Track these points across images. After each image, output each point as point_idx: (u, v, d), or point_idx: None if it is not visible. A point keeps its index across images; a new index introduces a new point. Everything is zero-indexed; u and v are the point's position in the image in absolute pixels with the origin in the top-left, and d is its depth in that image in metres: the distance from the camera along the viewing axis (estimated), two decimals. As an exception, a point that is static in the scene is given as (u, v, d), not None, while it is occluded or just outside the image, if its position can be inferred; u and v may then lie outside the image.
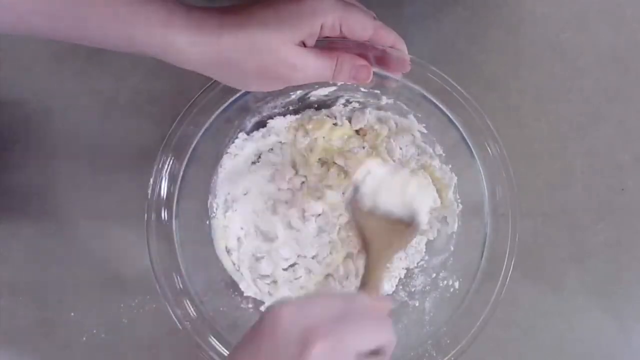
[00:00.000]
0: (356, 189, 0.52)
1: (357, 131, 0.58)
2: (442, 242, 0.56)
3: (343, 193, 0.56)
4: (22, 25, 0.40)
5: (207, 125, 0.51)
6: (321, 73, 0.44)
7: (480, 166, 0.51)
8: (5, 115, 0.58)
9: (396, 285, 0.57)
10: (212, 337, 0.50)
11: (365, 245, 0.50)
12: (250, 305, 0.56)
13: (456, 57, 0.58)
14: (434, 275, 0.55)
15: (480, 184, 0.51)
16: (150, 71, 0.58)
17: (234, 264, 0.57)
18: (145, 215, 0.50)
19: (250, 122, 0.56)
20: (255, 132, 0.57)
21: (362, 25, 0.44)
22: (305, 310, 0.37)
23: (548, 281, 0.57)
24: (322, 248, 0.56)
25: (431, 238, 0.57)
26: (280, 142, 0.58)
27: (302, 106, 0.57)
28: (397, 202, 0.51)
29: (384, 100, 0.55)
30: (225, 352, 0.50)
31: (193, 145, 0.51)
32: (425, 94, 0.50)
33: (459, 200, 0.55)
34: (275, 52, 0.41)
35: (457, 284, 0.53)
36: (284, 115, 0.57)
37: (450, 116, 0.51)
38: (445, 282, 0.54)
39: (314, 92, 0.55)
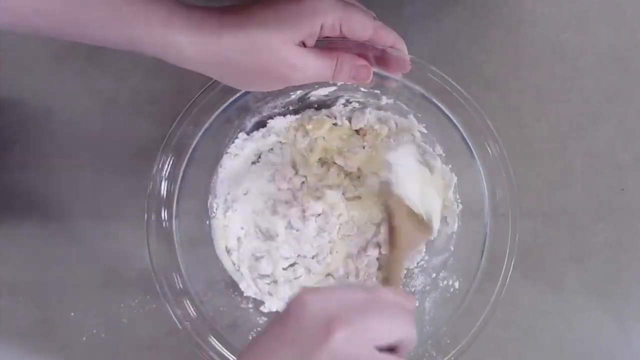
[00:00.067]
0: (389, 170, 0.51)
1: (357, 131, 0.58)
2: (442, 242, 0.56)
3: (378, 178, 0.54)
4: (22, 25, 0.40)
5: (207, 125, 0.51)
6: (321, 73, 0.44)
7: (480, 166, 0.51)
8: (5, 115, 0.58)
9: (396, 285, 0.57)
10: (212, 337, 0.50)
11: (392, 235, 0.50)
12: (250, 305, 0.56)
13: (456, 57, 0.58)
14: (434, 275, 0.55)
15: (480, 184, 0.51)
16: (150, 71, 0.58)
17: (234, 264, 0.57)
18: (145, 215, 0.50)
19: (250, 122, 0.56)
20: (255, 132, 0.57)
21: (362, 25, 0.44)
22: (331, 297, 0.38)
23: (548, 281, 0.57)
24: (322, 248, 0.56)
25: (431, 238, 0.57)
26: (280, 142, 0.58)
27: (302, 106, 0.57)
28: (418, 199, 0.52)
29: (384, 100, 0.55)
30: (225, 352, 0.50)
31: (193, 145, 0.51)
32: (425, 94, 0.51)
33: (459, 200, 0.55)
34: (275, 52, 0.41)
35: (457, 284, 0.53)
36: (284, 115, 0.57)
37: (450, 116, 0.51)
38: (445, 282, 0.54)
39: (314, 92, 0.55)
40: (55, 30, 0.40)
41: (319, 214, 0.56)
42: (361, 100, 0.56)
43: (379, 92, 0.54)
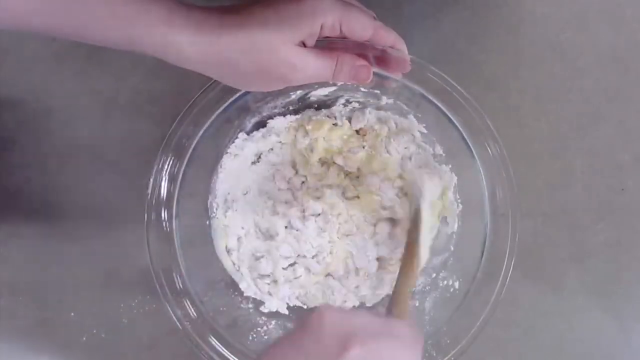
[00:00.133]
0: (421, 196, 0.54)
1: (357, 131, 0.58)
2: (442, 242, 0.56)
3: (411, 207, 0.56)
4: (22, 25, 0.40)
5: (207, 125, 0.51)
6: (321, 73, 0.44)
7: (480, 166, 0.51)
8: (5, 115, 0.58)
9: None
10: (212, 337, 0.50)
11: (410, 260, 0.52)
12: (250, 305, 0.56)
13: (456, 57, 0.58)
14: (434, 275, 0.55)
15: (480, 184, 0.51)
16: (150, 71, 0.58)
17: (234, 264, 0.57)
18: (145, 215, 0.50)
19: (250, 122, 0.56)
20: (255, 132, 0.57)
21: (362, 25, 0.44)
22: (350, 317, 0.40)
23: (548, 281, 0.57)
24: (322, 247, 0.56)
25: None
26: (280, 142, 0.58)
27: (302, 106, 0.57)
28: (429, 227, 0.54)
29: (384, 100, 0.55)
30: (225, 352, 0.50)
31: (193, 145, 0.51)
32: (425, 94, 0.50)
33: (459, 200, 0.55)
34: (275, 52, 0.41)
35: (457, 284, 0.53)
36: (284, 115, 0.57)
37: (450, 116, 0.51)
38: (445, 282, 0.54)
39: (314, 92, 0.55)
40: (55, 30, 0.40)
41: (319, 214, 0.56)
42: (361, 100, 0.56)
43: (379, 92, 0.54)
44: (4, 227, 0.58)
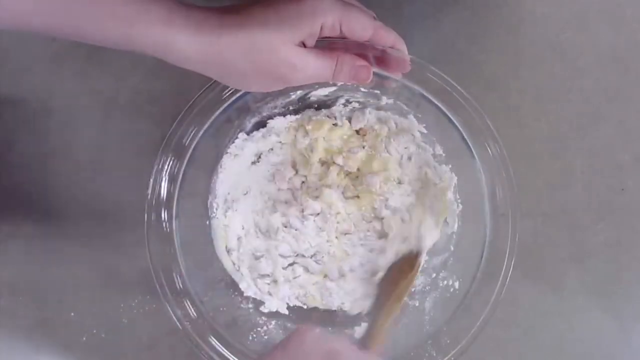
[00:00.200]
0: (422, 243, 0.55)
1: (357, 131, 0.58)
2: (442, 242, 0.56)
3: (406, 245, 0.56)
4: (22, 25, 0.40)
5: (207, 125, 0.51)
6: (321, 73, 0.44)
7: (480, 166, 0.51)
8: (5, 115, 0.58)
9: (396, 286, 0.57)
10: (212, 337, 0.50)
11: (397, 299, 0.53)
12: (250, 305, 0.56)
13: (456, 57, 0.58)
14: (434, 275, 0.55)
15: (480, 184, 0.51)
16: (150, 71, 0.58)
17: (234, 264, 0.57)
18: (145, 215, 0.50)
19: (250, 122, 0.56)
20: (255, 132, 0.57)
21: (362, 25, 0.44)
22: (330, 340, 0.42)
23: (548, 281, 0.57)
24: (320, 247, 0.56)
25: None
26: (280, 142, 0.58)
27: (302, 106, 0.57)
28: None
29: (384, 100, 0.55)
30: (225, 352, 0.50)
31: (193, 145, 0.51)
32: (425, 94, 0.51)
33: (459, 200, 0.55)
34: (275, 52, 0.41)
35: (457, 284, 0.53)
36: (284, 115, 0.57)
37: (450, 116, 0.51)
38: (445, 282, 0.54)
39: (314, 92, 0.55)
40: (55, 30, 0.40)
41: (318, 213, 0.56)
42: (361, 100, 0.56)
43: (379, 92, 0.54)
44: (4, 227, 0.58)
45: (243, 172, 0.57)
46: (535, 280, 0.57)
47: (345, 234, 0.57)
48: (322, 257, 0.57)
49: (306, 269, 0.56)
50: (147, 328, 0.57)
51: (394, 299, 0.52)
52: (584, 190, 0.57)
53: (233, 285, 0.56)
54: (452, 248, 0.55)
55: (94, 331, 0.57)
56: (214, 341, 0.50)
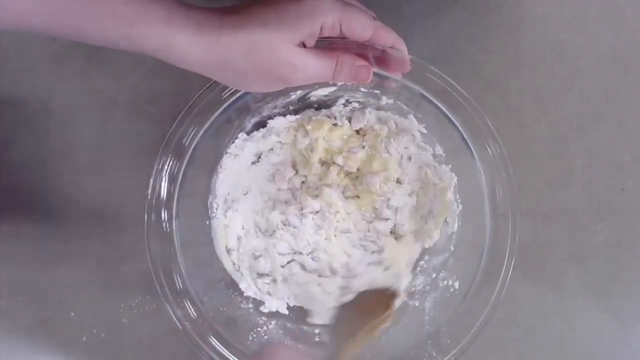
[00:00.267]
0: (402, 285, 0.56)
1: (357, 131, 0.58)
2: (442, 242, 0.56)
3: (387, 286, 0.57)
4: (22, 25, 0.40)
5: (207, 125, 0.51)
6: (321, 73, 0.44)
7: (480, 166, 0.51)
8: (5, 115, 0.58)
9: (396, 286, 0.57)
10: (212, 337, 0.50)
11: (370, 332, 0.52)
12: (250, 305, 0.56)
13: (456, 57, 0.58)
14: (434, 275, 0.55)
15: (480, 184, 0.51)
16: (150, 71, 0.58)
17: (234, 264, 0.57)
18: (145, 215, 0.50)
19: (250, 122, 0.56)
20: (255, 132, 0.57)
21: (362, 25, 0.44)
22: (301, 357, 0.45)
23: (548, 281, 0.57)
24: (318, 245, 0.56)
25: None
26: (280, 142, 0.58)
27: (302, 106, 0.57)
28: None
29: (384, 100, 0.55)
30: (225, 352, 0.50)
31: (193, 146, 0.51)
32: (425, 94, 0.50)
33: (459, 200, 0.55)
34: (275, 53, 0.41)
35: (457, 284, 0.53)
36: (284, 115, 0.57)
37: (450, 116, 0.51)
38: (445, 282, 0.54)
39: (314, 92, 0.55)
40: (55, 30, 0.40)
41: (317, 212, 0.57)
42: (361, 100, 0.56)
43: (379, 92, 0.54)
44: (4, 227, 0.58)
45: (243, 172, 0.57)
46: (535, 280, 0.57)
47: (345, 232, 0.57)
48: (319, 254, 0.57)
49: (303, 267, 0.57)
50: (147, 328, 0.57)
51: (367, 331, 0.52)
52: (584, 190, 0.57)
53: (233, 285, 0.56)
54: (452, 248, 0.55)
55: (94, 331, 0.57)
56: (214, 341, 0.50)
